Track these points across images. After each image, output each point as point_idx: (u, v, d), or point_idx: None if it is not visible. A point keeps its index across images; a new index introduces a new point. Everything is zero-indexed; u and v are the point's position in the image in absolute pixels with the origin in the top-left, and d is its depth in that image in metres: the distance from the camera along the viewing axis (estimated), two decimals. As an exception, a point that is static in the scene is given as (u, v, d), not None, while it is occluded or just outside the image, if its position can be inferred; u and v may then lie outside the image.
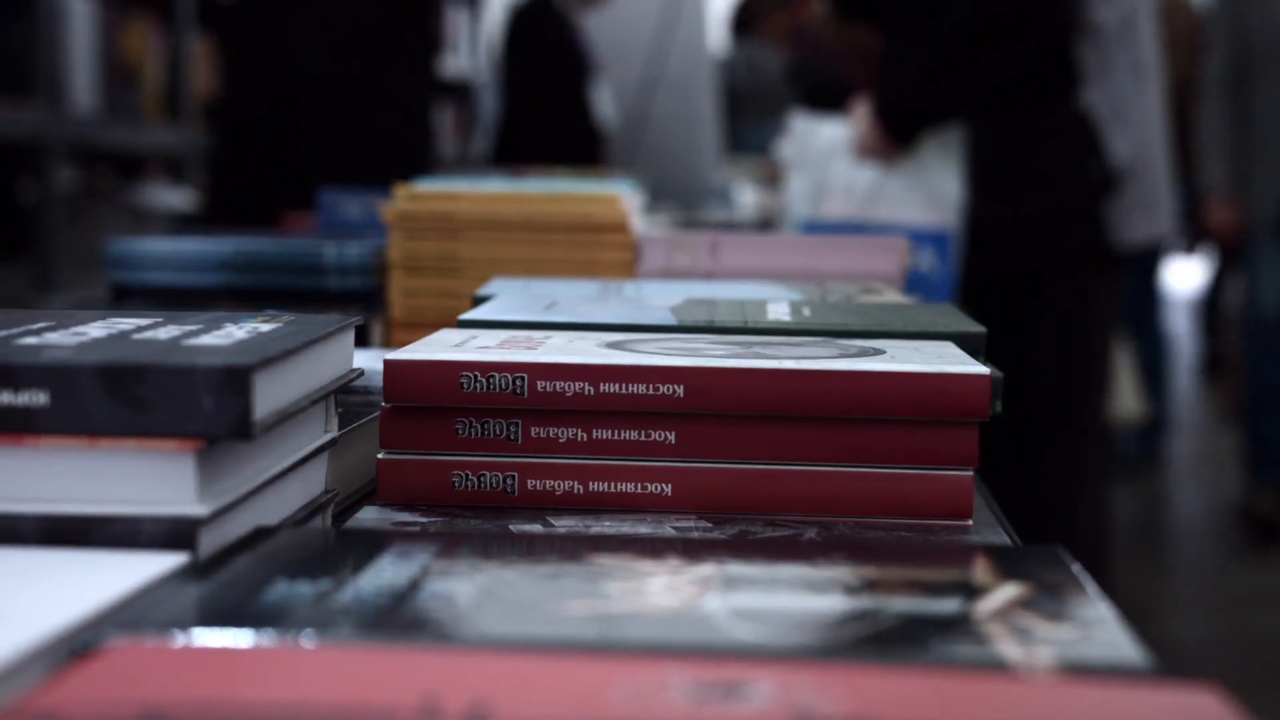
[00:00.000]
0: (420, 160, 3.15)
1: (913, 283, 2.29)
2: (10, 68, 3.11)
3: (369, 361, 1.06)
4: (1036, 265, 2.40)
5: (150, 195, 4.06)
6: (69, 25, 3.28)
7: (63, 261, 3.26)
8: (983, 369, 0.75)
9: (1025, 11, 2.28)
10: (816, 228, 2.26)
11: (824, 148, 2.37)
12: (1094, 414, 2.53)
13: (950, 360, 0.78)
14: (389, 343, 1.41)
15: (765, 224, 2.82)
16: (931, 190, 2.33)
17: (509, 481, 0.78)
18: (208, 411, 0.60)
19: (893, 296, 1.10)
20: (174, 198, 3.99)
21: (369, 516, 0.77)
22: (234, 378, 0.61)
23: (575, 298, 1.05)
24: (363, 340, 1.38)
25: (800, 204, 2.34)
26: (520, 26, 5.57)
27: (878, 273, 1.31)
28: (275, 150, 3.14)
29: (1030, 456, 2.42)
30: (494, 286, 1.16)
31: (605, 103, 5.65)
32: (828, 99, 3.38)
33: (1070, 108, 2.41)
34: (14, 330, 0.69)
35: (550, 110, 5.45)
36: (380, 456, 0.79)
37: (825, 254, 1.32)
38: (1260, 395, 4.71)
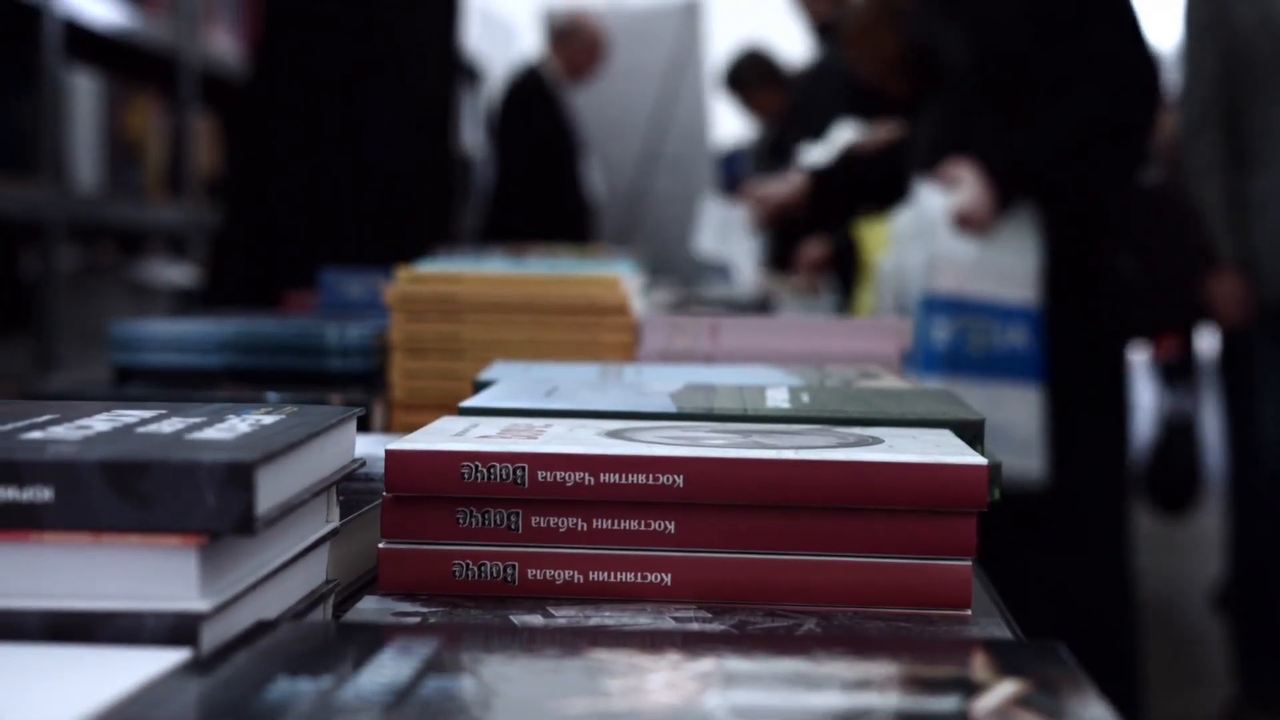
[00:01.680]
0: (435, 233, 3.16)
1: (1003, 359, 2.32)
2: (14, 145, 3.13)
3: (370, 447, 1.06)
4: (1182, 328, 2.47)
5: (152, 271, 4.08)
6: (73, 102, 3.31)
7: (64, 339, 3.27)
8: (980, 459, 0.76)
9: (1152, 108, 2.39)
10: (936, 305, 2.29)
11: (933, 218, 2.37)
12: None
13: (948, 450, 0.78)
14: (390, 425, 1.42)
15: (764, 302, 2.83)
16: (1019, 264, 2.36)
17: (509, 571, 0.78)
18: (211, 507, 0.61)
19: (891, 381, 1.10)
20: (176, 274, 4.01)
21: (369, 607, 0.77)
22: (237, 473, 0.61)
23: (576, 383, 1.05)
24: (364, 422, 1.39)
25: (917, 277, 2.34)
26: (513, 102, 5.62)
27: (877, 355, 1.32)
28: (280, 227, 3.16)
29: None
30: (495, 371, 1.16)
31: (595, 178, 5.69)
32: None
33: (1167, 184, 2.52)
34: (19, 423, 0.70)
35: (541, 184, 5.49)
36: (381, 546, 0.79)
37: (824, 337, 1.33)
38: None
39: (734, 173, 8.18)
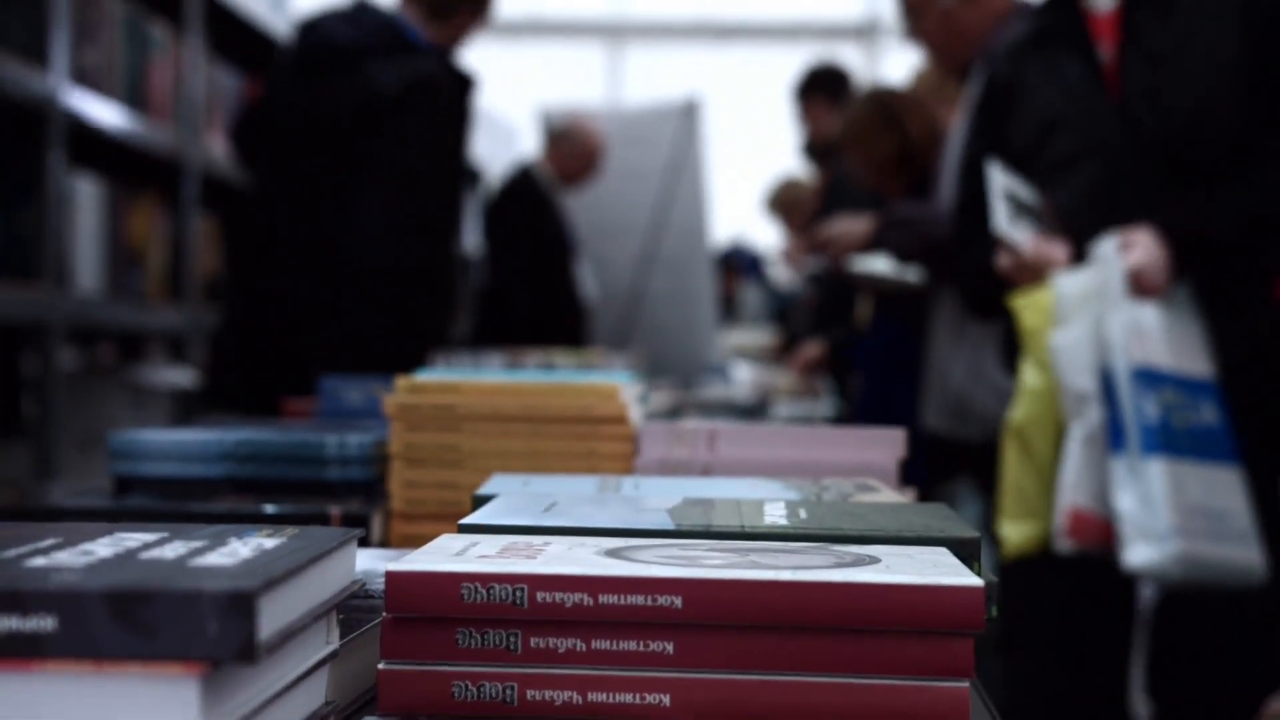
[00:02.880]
0: (435, 337, 3.18)
1: (1200, 436, 2.21)
2: (17, 250, 3.15)
3: (369, 561, 1.07)
4: None
5: (151, 374, 4.09)
6: (76, 208, 3.34)
7: (64, 441, 3.27)
8: (976, 580, 0.76)
9: None
10: (1146, 378, 2.17)
11: (1112, 283, 2.25)
12: None
13: (945, 571, 0.79)
14: (389, 535, 1.42)
15: (762, 404, 2.83)
16: (1192, 335, 2.26)
17: (509, 692, 0.79)
18: (213, 636, 0.61)
19: (888, 495, 1.11)
20: (175, 376, 4.02)
21: (369, 729, 0.77)
22: (239, 602, 0.62)
23: (574, 498, 1.06)
24: (365, 530, 1.39)
25: (1120, 347, 2.18)
26: (505, 202, 5.66)
27: (874, 465, 1.32)
28: (278, 328, 3.18)
29: None
30: (494, 484, 1.17)
31: (589, 279, 5.72)
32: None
33: None
34: (23, 549, 0.70)
35: (534, 284, 5.52)
36: (381, 667, 0.79)
37: (821, 447, 1.34)
38: None
39: (737, 264, 8.23)
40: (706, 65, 10.60)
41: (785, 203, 6.37)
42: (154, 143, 3.70)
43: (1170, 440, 2.17)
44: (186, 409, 4.05)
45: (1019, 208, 2.41)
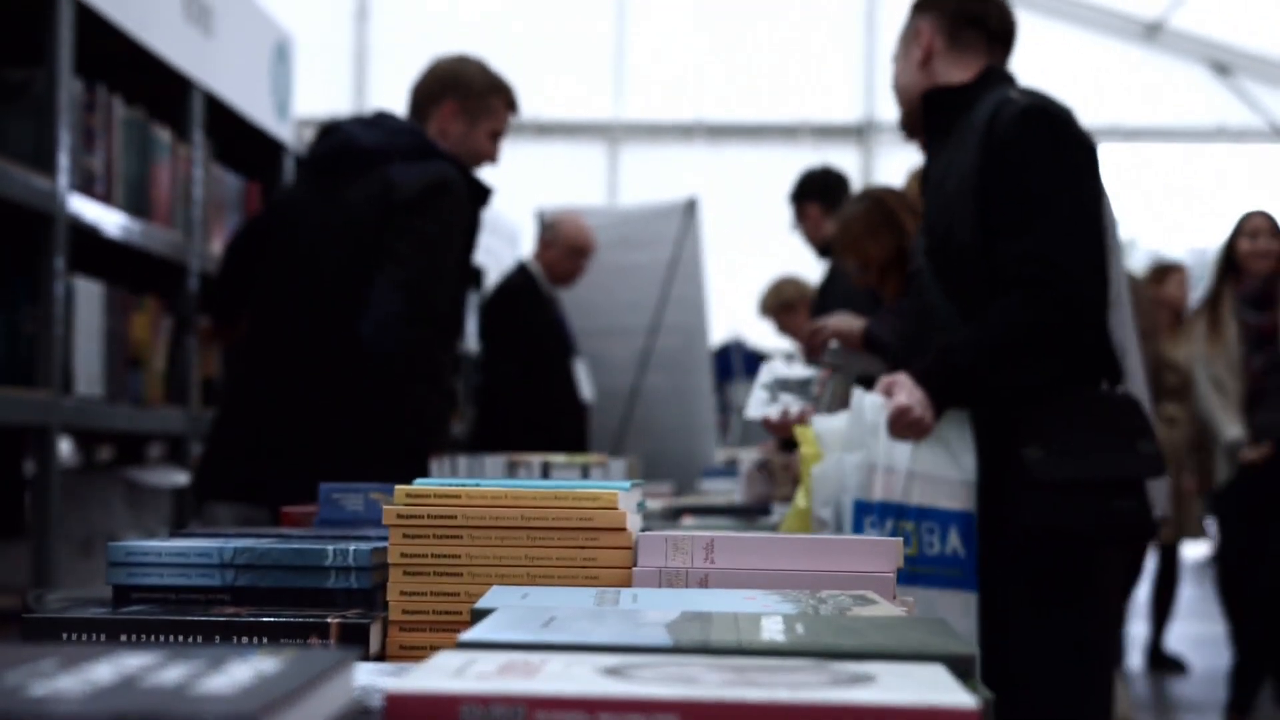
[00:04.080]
0: (435, 440, 3.19)
1: (945, 563, 2.34)
2: (20, 354, 3.17)
3: (368, 676, 1.07)
4: (1088, 531, 2.49)
5: (150, 474, 4.09)
6: (78, 310, 3.36)
7: (61, 547, 3.27)
8: (970, 700, 0.77)
9: (1077, 320, 2.46)
10: (869, 509, 2.32)
11: (871, 422, 2.42)
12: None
13: (940, 689, 0.79)
14: (387, 646, 1.42)
15: (763, 508, 2.84)
16: (956, 471, 2.41)
17: (507, 813, 0.79)
18: (213, 763, 0.62)
19: (885, 608, 1.11)
20: (174, 477, 4.02)
21: None
22: (239, 729, 0.62)
23: (572, 612, 1.06)
24: (363, 638, 1.39)
25: (855, 482, 2.37)
26: (500, 302, 5.68)
27: (871, 574, 1.33)
28: (280, 422, 3.18)
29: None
30: (492, 598, 1.17)
31: (585, 377, 5.73)
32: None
33: (1118, 393, 2.58)
34: (23, 674, 0.71)
35: (529, 382, 5.53)
36: (379, 788, 0.79)
37: (819, 556, 1.34)
38: None
39: (728, 366, 8.24)
40: (705, 164, 10.69)
41: (783, 302, 6.40)
42: (156, 246, 3.73)
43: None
44: (184, 509, 4.05)
45: (784, 386, 2.74)
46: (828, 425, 2.45)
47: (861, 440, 2.37)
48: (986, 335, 2.45)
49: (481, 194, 3.33)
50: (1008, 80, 2.68)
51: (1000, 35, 2.73)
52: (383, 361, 3.06)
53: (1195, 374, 5.33)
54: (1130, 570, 5.10)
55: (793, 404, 2.74)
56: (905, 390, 2.41)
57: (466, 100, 3.38)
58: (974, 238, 2.51)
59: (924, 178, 2.76)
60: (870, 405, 2.41)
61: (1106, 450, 2.47)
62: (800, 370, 2.79)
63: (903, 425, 2.39)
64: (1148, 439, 2.51)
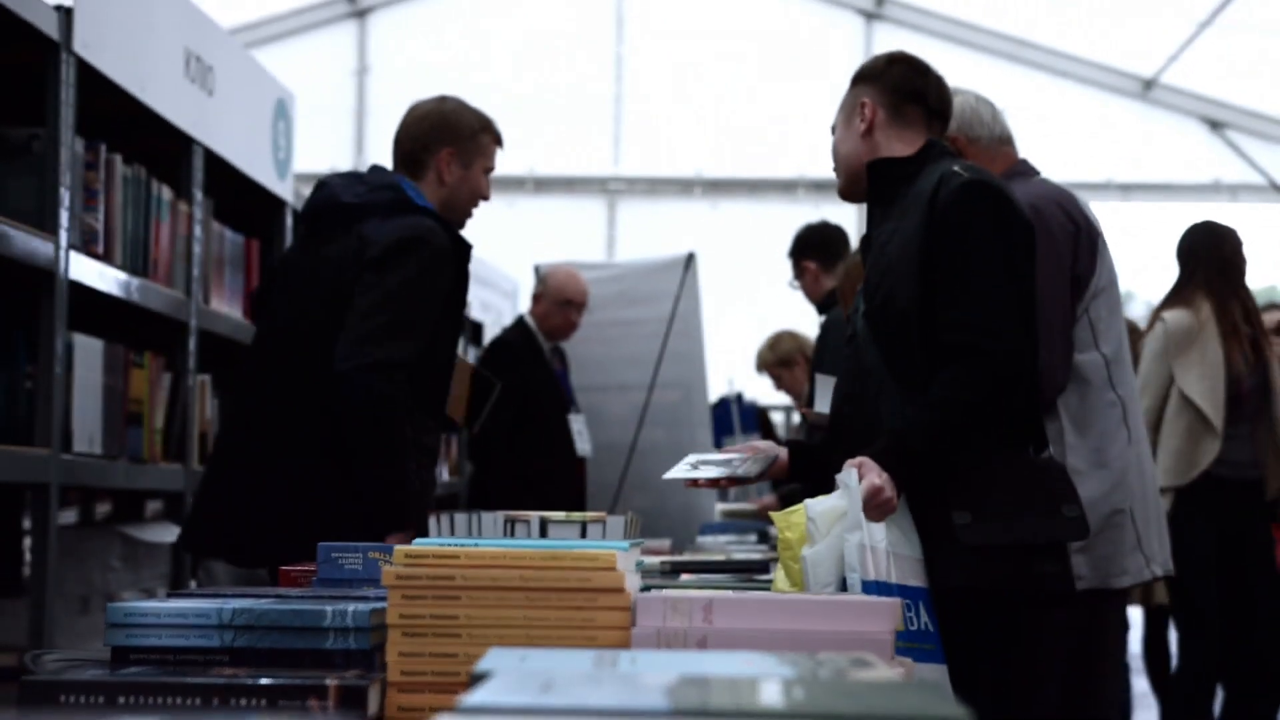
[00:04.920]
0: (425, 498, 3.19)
1: (921, 638, 2.37)
2: (19, 412, 3.18)
3: (367, 740, 1.07)
4: (1012, 592, 2.53)
5: (148, 531, 4.09)
6: (77, 367, 3.36)
7: (59, 605, 3.27)
8: (969, 767, 0.77)
9: (1009, 386, 2.55)
10: (876, 587, 2.34)
11: (856, 507, 2.43)
12: None
13: (938, 755, 0.79)
14: (386, 707, 1.42)
15: (764, 563, 2.83)
16: (911, 549, 2.48)
17: None
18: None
19: (882, 671, 1.12)
20: (171, 533, 4.01)
21: None
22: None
23: (571, 676, 1.06)
24: (362, 701, 1.39)
25: (859, 562, 2.38)
26: (497, 358, 5.67)
27: (869, 635, 1.33)
28: (246, 485, 3.18)
29: None
30: (491, 660, 1.17)
31: (582, 434, 5.73)
32: None
33: (1043, 458, 2.67)
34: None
35: (527, 439, 5.53)
36: None
37: (818, 617, 1.35)
38: None
39: (727, 420, 8.23)
40: (704, 219, 10.73)
41: (781, 357, 6.40)
42: (155, 304, 3.74)
43: None
44: (182, 565, 4.05)
45: (703, 464, 2.85)
46: (822, 507, 2.45)
47: (857, 520, 2.38)
48: (936, 415, 2.51)
49: (463, 248, 3.34)
50: (949, 154, 2.79)
51: (939, 112, 2.84)
52: (344, 417, 3.06)
53: None
54: (1117, 626, 5.04)
55: (712, 469, 2.81)
56: (874, 471, 2.45)
57: (459, 144, 3.39)
58: (913, 303, 2.58)
59: (865, 243, 2.85)
60: (855, 485, 2.44)
61: (1032, 514, 2.53)
62: (719, 458, 2.86)
63: (874, 506, 2.43)
64: (1072, 503, 2.57)
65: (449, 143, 3.39)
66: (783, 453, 2.86)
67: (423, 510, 2.99)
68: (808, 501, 2.48)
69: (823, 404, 3.14)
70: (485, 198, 3.48)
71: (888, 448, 2.49)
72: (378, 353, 3.05)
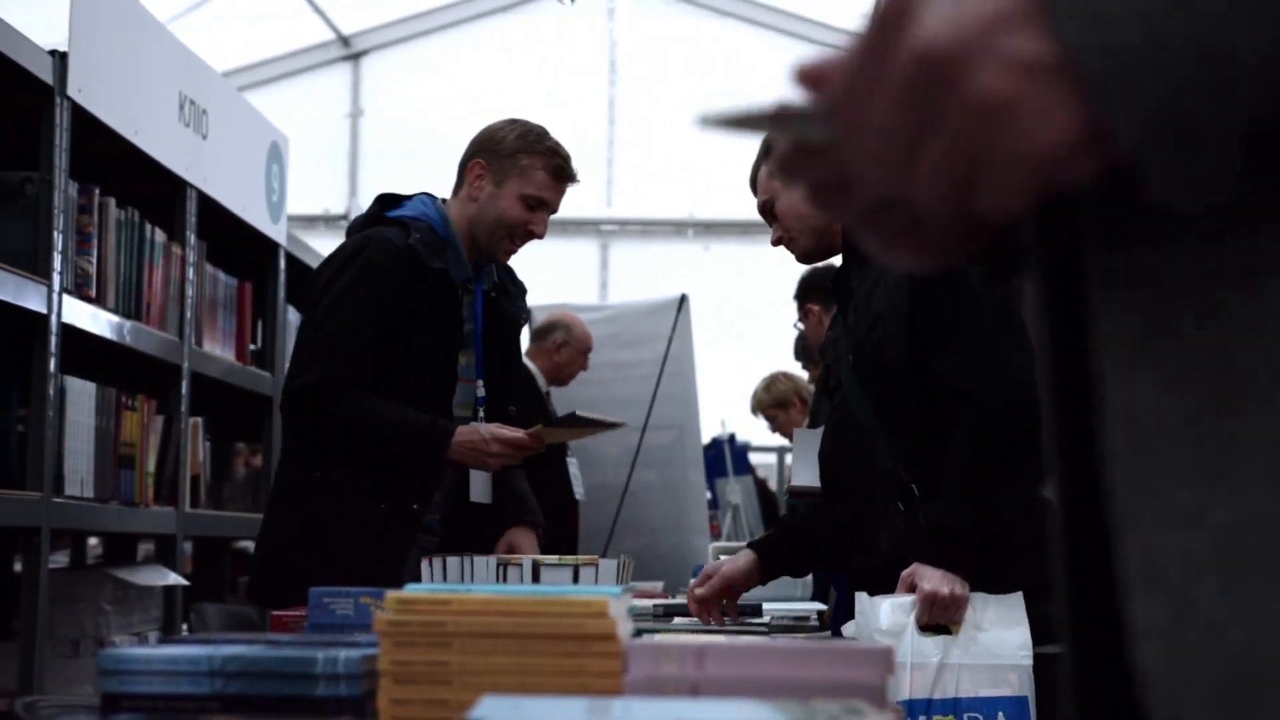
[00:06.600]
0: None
1: None
2: (11, 456, 3.18)
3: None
4: None
5: (139, 574, 4.08)
6: (69, 410, 3.36)
7: (49, 648, 3.25)
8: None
9: (1020, 419, 2.40)
10: (914, 708, 2.28)
11: (887, 627, 2.37)
12: None
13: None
14: (378, 755, 1.41)
15: (757, 606, 2.83)
16: (996, 656, 2.36)
17: None
18: None
19: (875, 718, 1.11)
20: (163, 577, 4.00)
21: None
22: None
23: (563, 725, 1.06)
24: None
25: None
26: None
27: (863, 682, 1.32)
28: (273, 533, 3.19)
29: None
30: (484, 708, 1.17)
31: (577, 476, 5.73)
32: None
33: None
34: (14, 796, 0.71)
35: (530, 483, 5.51)
36: None
37: (811, 664, 1.34)
38: None
39: (720, 462, 8.23)
40: (697, 261, 10.75)
41: (776, 399, 6.41)
42: (148, 347, 3.74)
43: None
44: (173, 609, 4.03)
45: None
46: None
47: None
48: (959, 479, 2.43)
49: (418, 258, 3.09)
50: None
51: None
52: (300, 444, 3.13)
53: None
54: None
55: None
56: (928, 578, 2.37)
57: (491, 159, 3.18)
58: (904, 354, 2.53)
59: (841, 296, 2.75)
60: (888, 608, 2.36)
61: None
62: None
63: (939, 609, 2.34)
64: None
65: (480, 155, 3.22)
66: (742, 562, 2.74)
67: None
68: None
69: (802, 463, 2.99)
70: (516, 224, 3.24)
71: (934, 547, 2.41)
72: (290, 384, 3.08)
